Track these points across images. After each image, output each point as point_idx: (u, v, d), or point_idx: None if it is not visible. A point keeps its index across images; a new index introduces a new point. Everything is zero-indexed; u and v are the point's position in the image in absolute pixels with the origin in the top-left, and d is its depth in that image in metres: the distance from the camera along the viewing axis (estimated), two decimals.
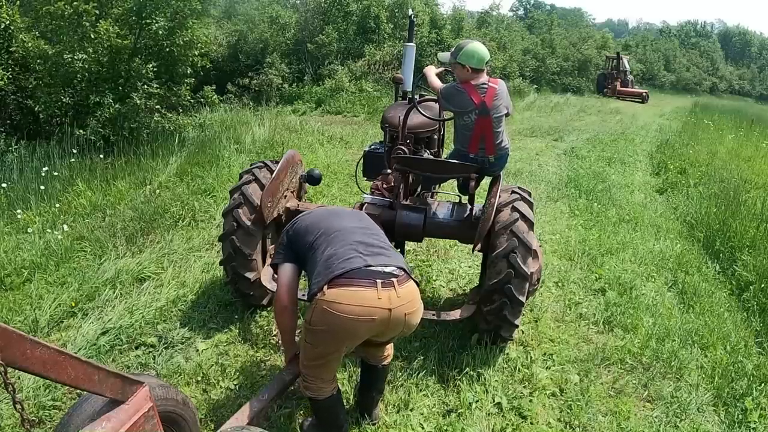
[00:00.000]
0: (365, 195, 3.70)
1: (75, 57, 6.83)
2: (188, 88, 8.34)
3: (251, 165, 3.55)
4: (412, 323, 2.21)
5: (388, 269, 2.12)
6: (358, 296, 2.02)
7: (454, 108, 3.36)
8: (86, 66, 7.01)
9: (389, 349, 2.60)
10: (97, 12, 7.00)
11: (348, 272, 2.06)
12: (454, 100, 3.32)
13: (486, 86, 3.26)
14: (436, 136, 4.20)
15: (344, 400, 2.61)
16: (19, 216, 4.84)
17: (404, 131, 3.74)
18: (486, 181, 3.57)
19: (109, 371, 1.65)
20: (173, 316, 3.54)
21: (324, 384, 2.32)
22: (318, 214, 2.46)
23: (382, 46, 16.18)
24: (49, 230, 4.53)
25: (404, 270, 2.17)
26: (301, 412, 2.75)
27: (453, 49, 3.35)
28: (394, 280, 2.09)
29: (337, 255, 2.14)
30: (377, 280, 2.06)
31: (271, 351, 3.24)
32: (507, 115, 3.39)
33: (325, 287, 2.05)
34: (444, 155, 4.24)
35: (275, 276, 3.41)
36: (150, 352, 3.18)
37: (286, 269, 2.38)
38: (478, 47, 3.25)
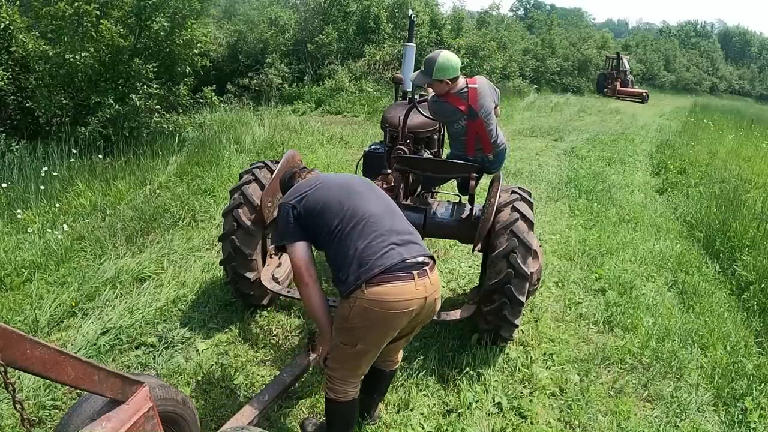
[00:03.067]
0: None
1: (76, 57, 6.83)
2: (187, 87, 8.33)
3: (251, 165, 3.55)
4: (437, 308, 2.26)
5: (420, 259, 2.14)
6: (400, 290, 2.05)
7: (444, 119, 3.42)
8: (87, 66, 7.01)
9: (400, 354, 2.61)
10: (98, 13, 6.99)
11: (387, 269, 2.05)
12: (441, 113, 3.37)
13: (466, 90, 3.24)
14: (436, 136, 4.21)
15: None
16: (19, 216, 4.84)
17: (404, 131, 3.74)
18: (486, 181, 3.57)
19: (109, 371, 1.64)
20: (173, 316, 3.54)
21: (350, 388, 2.31)
22: (332, 190, 2.26)
23: (382, 46, 16.17)
24: (49, 230, 4.52)
25: (431, 257, 2.22)
26: (302, 412, 2.75)
27: (423, 68, 3.23)
28: (426, 268, 2.14)
29: (373, 249, 2.08)
30: (413, 272, 2.09)
31: (271, 351, 3.24)
32: (495, 106, 3.39)
33: (364, 286, 2.03)
34: (443, 156, 4.24)
35: (275, 276, 3.44)
36: (150, 352, 3.18)
37: (300, 247, 2.20)
38: (449, 57, 3.18)
